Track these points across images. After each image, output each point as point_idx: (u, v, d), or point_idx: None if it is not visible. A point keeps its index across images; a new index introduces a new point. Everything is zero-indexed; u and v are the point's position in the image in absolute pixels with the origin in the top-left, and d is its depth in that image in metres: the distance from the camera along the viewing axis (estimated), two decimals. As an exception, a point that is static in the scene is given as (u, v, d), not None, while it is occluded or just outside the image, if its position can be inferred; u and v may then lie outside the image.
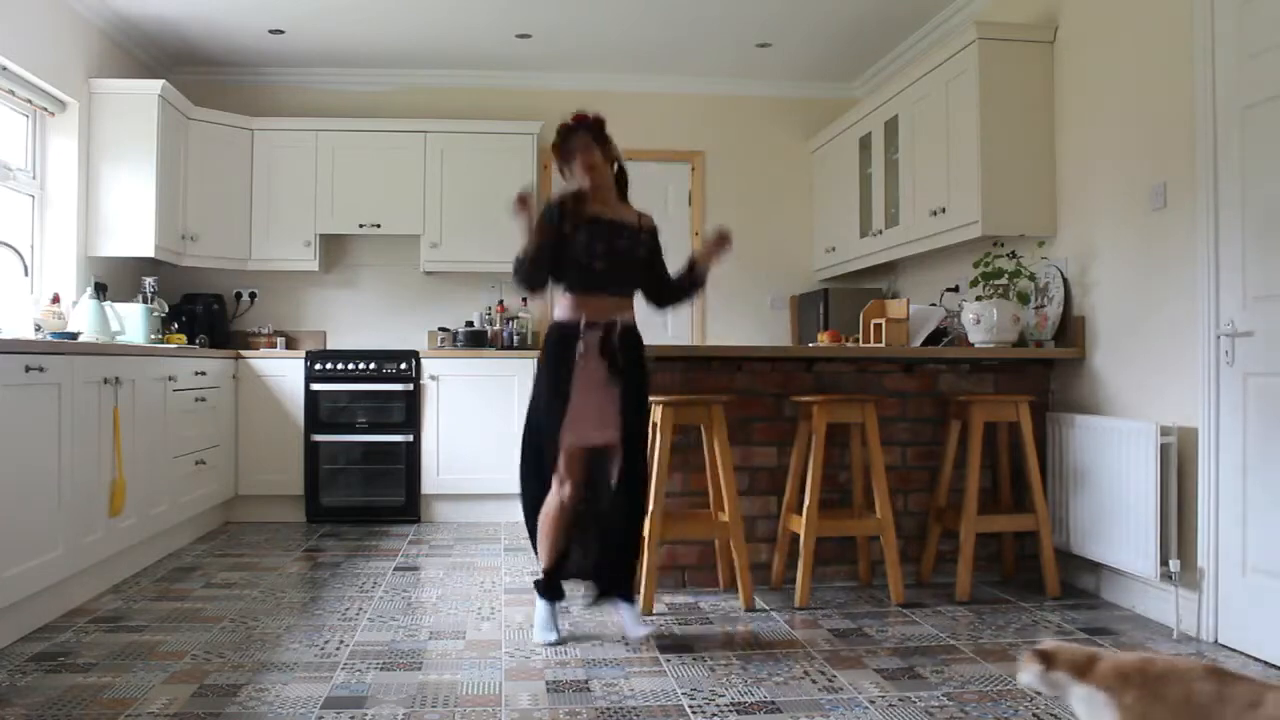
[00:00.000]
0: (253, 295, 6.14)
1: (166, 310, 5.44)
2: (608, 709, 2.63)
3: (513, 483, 5.57)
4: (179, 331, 5.51)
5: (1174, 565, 3.34)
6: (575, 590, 3.59)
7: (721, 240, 3.34)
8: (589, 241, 3.21)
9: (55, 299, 4.62)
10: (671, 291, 3.45)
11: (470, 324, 6.09)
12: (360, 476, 5.54)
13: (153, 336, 5.04)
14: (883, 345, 4.17)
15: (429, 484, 5.57)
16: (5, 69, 4.37)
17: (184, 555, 4.61)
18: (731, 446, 3.84)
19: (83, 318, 4.57)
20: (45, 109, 4.83)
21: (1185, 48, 3.39)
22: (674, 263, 3.47)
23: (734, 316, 6.31)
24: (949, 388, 4.16)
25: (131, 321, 4.95)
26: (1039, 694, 2.21)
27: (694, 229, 6.28)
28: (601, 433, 3.21)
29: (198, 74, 6.07)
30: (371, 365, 5.55)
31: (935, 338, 4.67)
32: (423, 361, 5.60)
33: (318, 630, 3.36)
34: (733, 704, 2.67)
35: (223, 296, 6.00)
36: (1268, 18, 3.04)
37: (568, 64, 6.07)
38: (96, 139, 5.11)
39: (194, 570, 4.29)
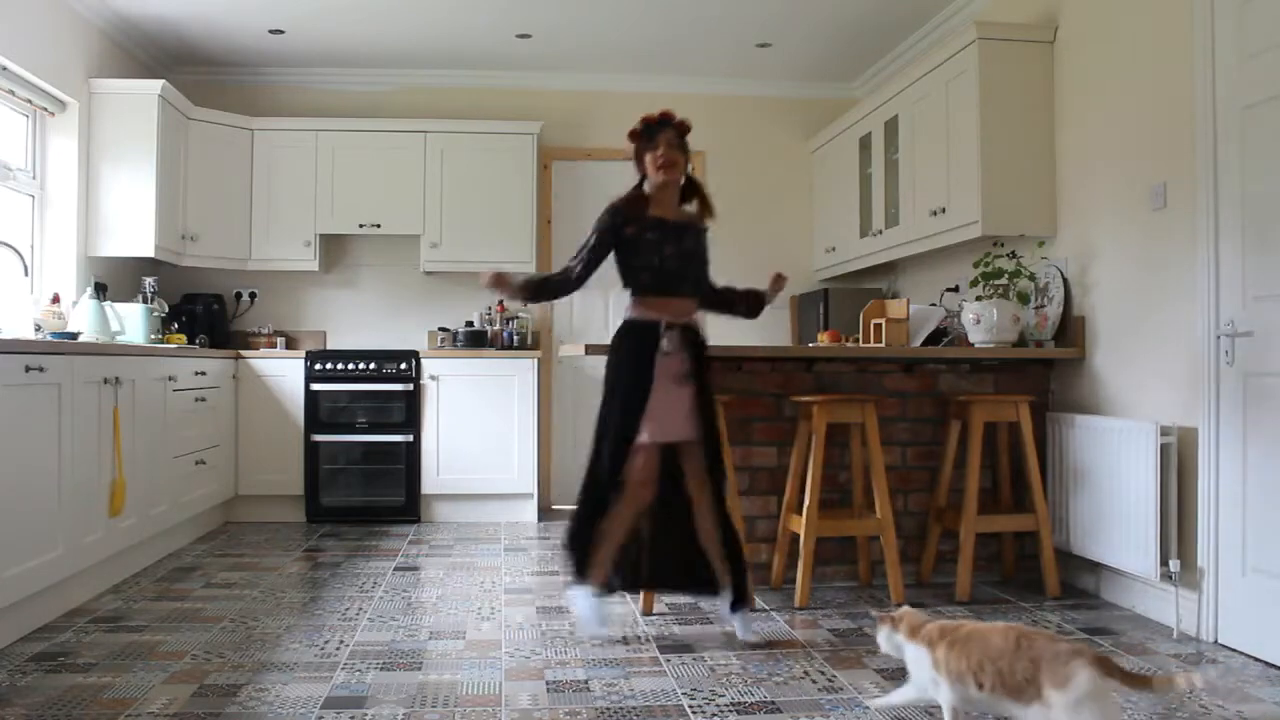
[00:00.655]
0: (253, 295, 6.14)
1: (166, 310, 5.44)
2: (608, 709, 2.63)
3: (512, 483, 5.62)
4: (179, 331, 5.51)
5: (1174, 565, 3.34)
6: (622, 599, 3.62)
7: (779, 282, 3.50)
8: (660, 242, 3.22)
9: (55, 299, 4.62)
10: (719, 299, 3.46)
11: (470, 324, 6.09)
12: (360, 476, 5.54)
13: (153, 336, 5.04)
14: (883, 345, 4.17)
15: (429, 484, 5.58)
16: (5, 69, 4.37)
17: (184, 555, 4.61)
18: (731, 446, 3.84)
19: (83, 318, 4.57)
20: (45, 109, 4.83)
21: (1185, 48, 3.39)
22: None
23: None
24: (949, 388, 4.16)
25: (131, 321, 4.95)
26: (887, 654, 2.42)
27: (694, 229, 6.28)
28: (680, 429, 3.21)
29: (198, 74, 6.07)
30: (371, 365, 5.55)
31: (935, 338, 4.67)
32: (423, 361, 5.60)
33: (318, 630, 3.36)
34: (733, 704, 2.67)
35: (223, 296, 6.00)
36: (1268, 18, 3.04)
37: (568, 64, 6.07)
38: (96, 139, 5.11)
39: (194, 570, 4.29)
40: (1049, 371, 4.21)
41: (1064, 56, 4.15)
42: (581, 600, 3.25)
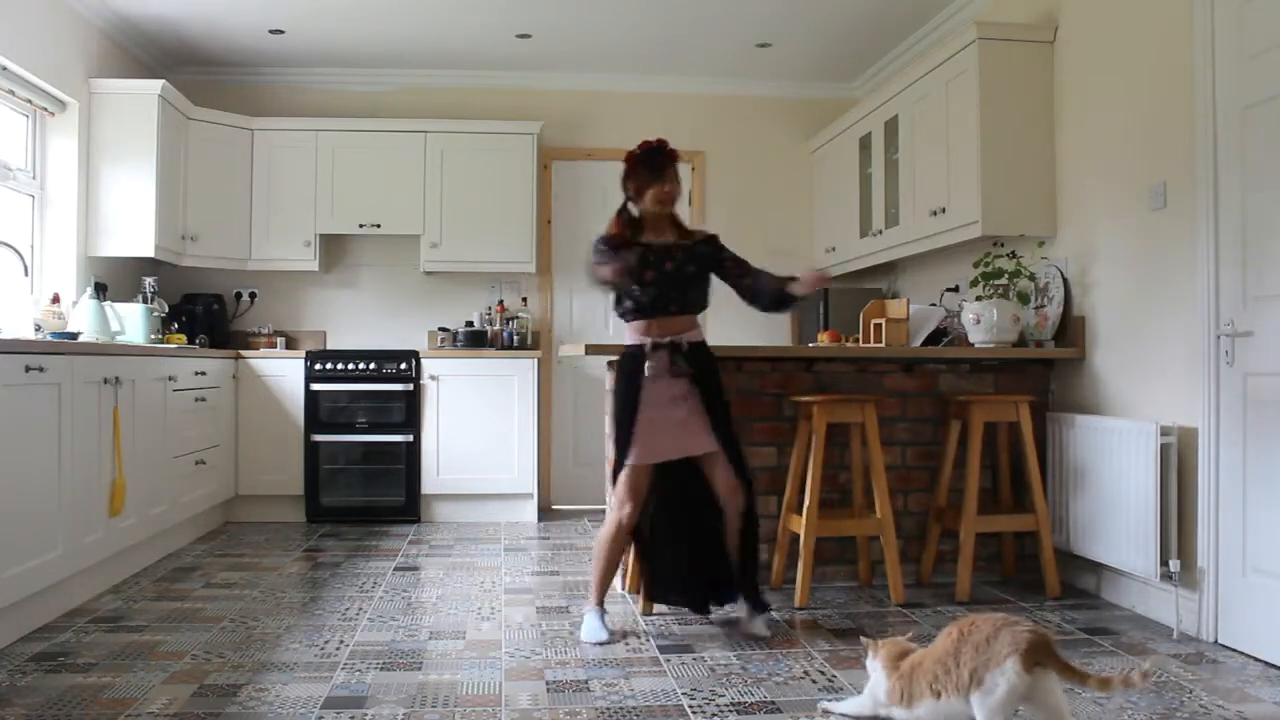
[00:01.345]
0: (253, 295, 6.15)
1: (166, 310, 5.44)
2: (608, 709, 2.63)
3: (512, 483, 5.62)
4: (179, 331, 5.51)
5: (1174, 565, 3.34)
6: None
7: (820, 280, 3.51)
8: (640, 268, 3.30)
9: (55, 299, 4.62)
10: (765, 296, 3.48)
11: (470, 324, 6.09)
12: (360, 476, 5.54)
13: (153, 336, 5.04)
14: (883, 345, 4.17)
15: (429, 484, 5.58)
16: (5, 69, 4.37)
17: (184, 555, 4.61)
18: (731, 446, 3.84)
19: (83, 318, 4.57)
20: (45, 109, 4.83)
21: (1185, 48, 3.39)
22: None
23: (734, 316, 6.27)
24: (949, 388, 4.16)
25: (131, 321, 4.94)
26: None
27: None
28: (675, 447, 3.29)
29: (198, 74, 6.07)
30: (371, 365, 5.55)
31: (935, 338, 4.67)
32: (423, 361, 5.60)
33: (318, 630, 3.36)
34: (733, 704, 2.67)
35: (223, 296, 6.00)
36: (1268, 18, 3.04)
37: (568, 64, 6.07)
38: (96, 139, 5.11)
39: (194, 570, 4.29)
40: (1049, 371, 4.21)
41: (1064, 56, 4.15)
42: (590, 618, 3.32)
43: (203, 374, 4.94)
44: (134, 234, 5.14)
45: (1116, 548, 3.61)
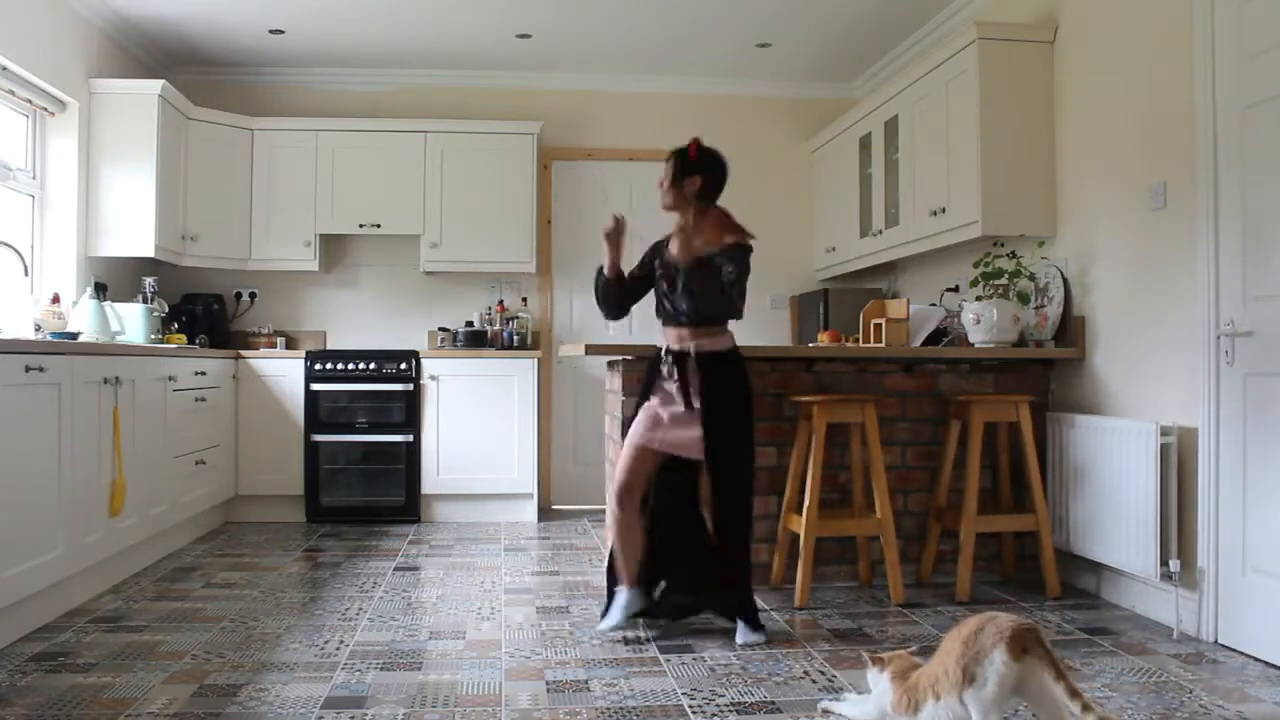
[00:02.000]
0: (253, 295, 6.15)
1: (166, 310, 5.44)
2: (608, 709, 2.63)
3: (512, 483, 5.62)
4: (179, 331, 5.51)
5: (1174, 565, 3.34)
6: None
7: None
8: (659, 279, 3.40)
9: (55, 299, 4.62)
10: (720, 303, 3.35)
11: (470, 324, 6.09)
12: (360, 476, 5.54)
13: (153, 336, 5.04)
14: (883, 345, 4.17)
15: (429, 484, 5.58)
16: (5, 69, 4.37)
17: (184, 555, 4.61)
18: (731, 446, 3.84)
19: (83, 318, 4.57)
20: (45, 109, 4.83)
21: (1185, 47, 3.39)
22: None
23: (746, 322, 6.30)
24: (949, 388, 4.16)
25: (131, 321, 4.94)
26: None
27: (694, 229, 6.28)
28: (670, 442, 3.29)
29: (198, 74, 6.07)
30: (371, 365, 5.55)
31: (935, 338, 4.67)
32: (423, 361, 5.60)
33: (318, 630, 3.36)
34: (733, 704, 2.67)
35: (223, 296, 6.00)
36: (1268, 18, 3.04)
37: (568, 64, 6.07)
38: (96, 139, 5.11)
39: (194, 570, 4.29)
40: (1049, 371, 4.21)
41: (1064, 56, 4.15)
42: (619, 598, 3.35)
43: (203, 374, 4.94)
44: (134, 234, 5.14)
45: (1116, 548, 3.61)
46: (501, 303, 6.17)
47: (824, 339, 4.59)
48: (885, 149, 5.22)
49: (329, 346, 6.16)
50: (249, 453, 5.50)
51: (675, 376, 3.29)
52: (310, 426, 5.51)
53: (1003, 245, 4.31)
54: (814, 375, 4.08)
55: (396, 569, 4.35)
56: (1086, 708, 2.07)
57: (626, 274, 3.47)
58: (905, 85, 4.88)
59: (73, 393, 3.51)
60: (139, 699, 2.67)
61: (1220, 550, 3.23)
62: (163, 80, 5.26)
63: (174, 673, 2.89)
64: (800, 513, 3.72)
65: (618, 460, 3.39)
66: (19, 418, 3.17)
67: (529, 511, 5.68)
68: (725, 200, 3.45)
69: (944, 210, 4.48)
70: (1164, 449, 3.42)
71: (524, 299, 6.30)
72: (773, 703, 2.68)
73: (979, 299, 4.21)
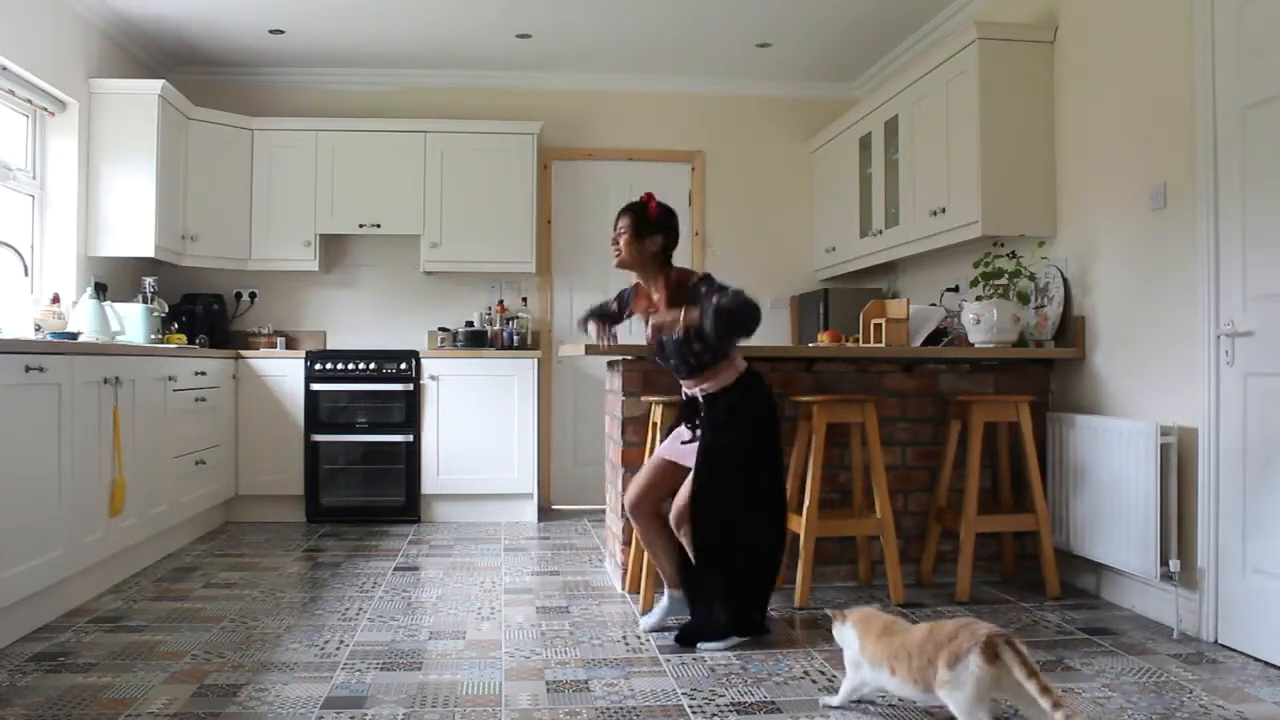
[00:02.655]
0: (253, 295, 6.15)
1: (166, 310, 5.44)
2: (608, 709, 2.63)
3: (512, 483, 5.62)
4: (179, 331, 5.51)
5: (1174, 565, 3.34)
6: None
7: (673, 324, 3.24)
8: (649, 340, 3.39)
9: (55, 299, 4.62)
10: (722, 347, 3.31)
11: (470, 324, 6.09)
12: (360, 476, 5.54)
13: (153, 336, 5.04)
14: (883, 345, 4.17)
15: (429, 484, 5.58)
16: (5, 69, 4.37)
17: (184, 555, 4.61)
18: (731, 446, 3.84)
19: (83, 318, 4.57)
20: (45, 109, 4.83)
21: (1185, 48, 3.39)
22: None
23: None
24: (949, 388, 4.16)
25: (131, 321, 4.94)
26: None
27: (694, 229, 6.28)
28: (678, 451, 3.35)
29: (198, 74, 6.07)
30: (371, 365, 5.55)
31: (935, 338, 4.67)
32: (423, 361, 5.60)
33: (318, 630, 3.36)
34: (733, 704, 2.67)
35: (223, 296, 6.00)
36: (1268, 18, 3.04)
37: (568, 64, 6.07)
38: (96, 139, 5.11)
39: (194, 570, 4.29)
40: (1049, 371, 4.21)
41: (1064, 56, 4.15)
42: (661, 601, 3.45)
43: (203, 374, 4.94)
44: (134, 234, 5.14)
45: (1116, 548, 3.61)
46: (501, 303, 6.17)
47: (824, 339, 4.59)
48: (885, 149, 5.22)
49: (329, 346, 6.16)
50: (249, 453, 5.50)
51: (687, 420, 3.37)
52: (310, 426, 5.51)
53: (1003, 245, 4.31)
54: (814, 375, 4.08)
55: (396, 569, 4.35)
56: (1056, 705, 2.16)
57: (604, 314, 3.66)
58: (905, 85, 4.88)
59: (73, 393, 3.51)
60: (139, 699, 2.67)
61: (1220, 550, 3.23)
62: (163, 80, 5.25)
63: (174, 673, 2.89)
64: (800, 513, 3.72)
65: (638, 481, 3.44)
66: (19, 418, 3.17)
67: (529, 511, 5.68)
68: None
69: (944, 210, 4.48)
70: (1164, 449, 3.42)
71: (524, 299, 6.30)
72: (773, 703, 2.68)
73: (979, 299, 4.21)
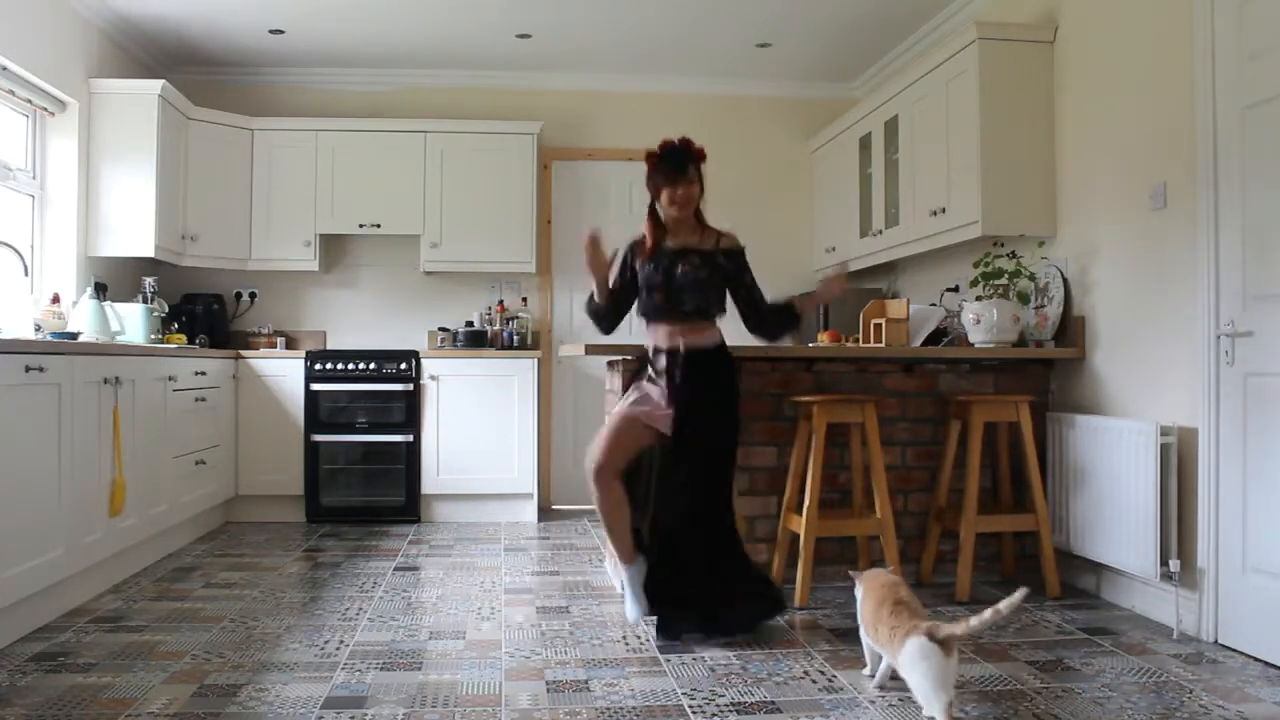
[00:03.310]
0: (253, 295, 6.15)
1: (166, 310, 5.44)
2: (608, 709, 2.63)
3: (512, 483, 5.62)
4: (179, 331, 5.51)
5: (1174, 565, 3.34)
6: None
7: (839, 277, 3.51)
8: (650, 271, 3.34)
9: (55, 299, 4.62)
10: (763, 320, 3.45)
11: (470, 324, 6.09)
12: (360, 476, 5.54)
13: (153, 336, 5.04)
14: (883, 345, 4.17)
15: (429, 484, 5.58)
16: (5, 69, 4.37)
17: (184, 555, 4.61)
18: (731, 446, 3.84)
19: (83, 318, 4.57)
20: (45, 109, 4.83)
21: (1185, 48, 3.39)
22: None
23: (734, 316, 6.30)
24: (949, 388, 4.16)
25: (131, 321, 4.94)
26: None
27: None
28: (651, 416, 3.27)
29: (198, 74, 6.07)
30: (371, 365, 5.55)
31: (935, 338, 4.67)
32: (423, 361, 5.60)
33: (318, 630, 3.36)
34: (733, 704, 2.67)
35: (223, 296, 6.00)
36: (1268, 18, 3.04)
37: (568, 64, 6.07)
38: (96, 139, 5.11)
39: (194, 570, 4.29)
40: (1049, 371, 4.21)
41: (1064, 56, 4.15)
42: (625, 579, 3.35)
43: (203, 374, 4.94)
44: (134, 234, 5.14)
45: (1116, 548, 3.61)
46: (501, 303, 6.17)
47: (824, 339, 4.59)
48: (885, 149, 5.22)
49: (329, 346, 6.16)
50: (249, 453, 5.50)
51: (663, 373, 3.29)
52: (310, 426, 5.51)
53: (1003, 245, 4.31)
54: (814, 375, 4.08)
55: (396, 569, 4.35)
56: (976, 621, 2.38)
57: (612, 286, 3.46)
58: (905, 85, 4.88)
59: (73, 393, 3.51)
60: (139, 699, 2.67)
61: (1220, 550, 3.23)
62: (163, 80, 5.25)
63: (174, 673, 2.89)
64: (800, 513, 3.72)
65: (603, 439, 3.31)
66: (19, 418, 3.17)
67: (529, 511, 5.68)
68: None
69: (944, 210, 4.48)
70: (1164, 449, 3.42)
71: (524, 299, 6.30)
72: (773, 703, 2.68)
73: (979, 299, 4.21)
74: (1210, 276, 3.26)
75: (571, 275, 6.31)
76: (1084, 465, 3.81)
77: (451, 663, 3.02)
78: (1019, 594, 2.40)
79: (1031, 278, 4.21)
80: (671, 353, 3.31)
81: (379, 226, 5.91)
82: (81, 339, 4.34)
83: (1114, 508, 3.62)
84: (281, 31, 5.46)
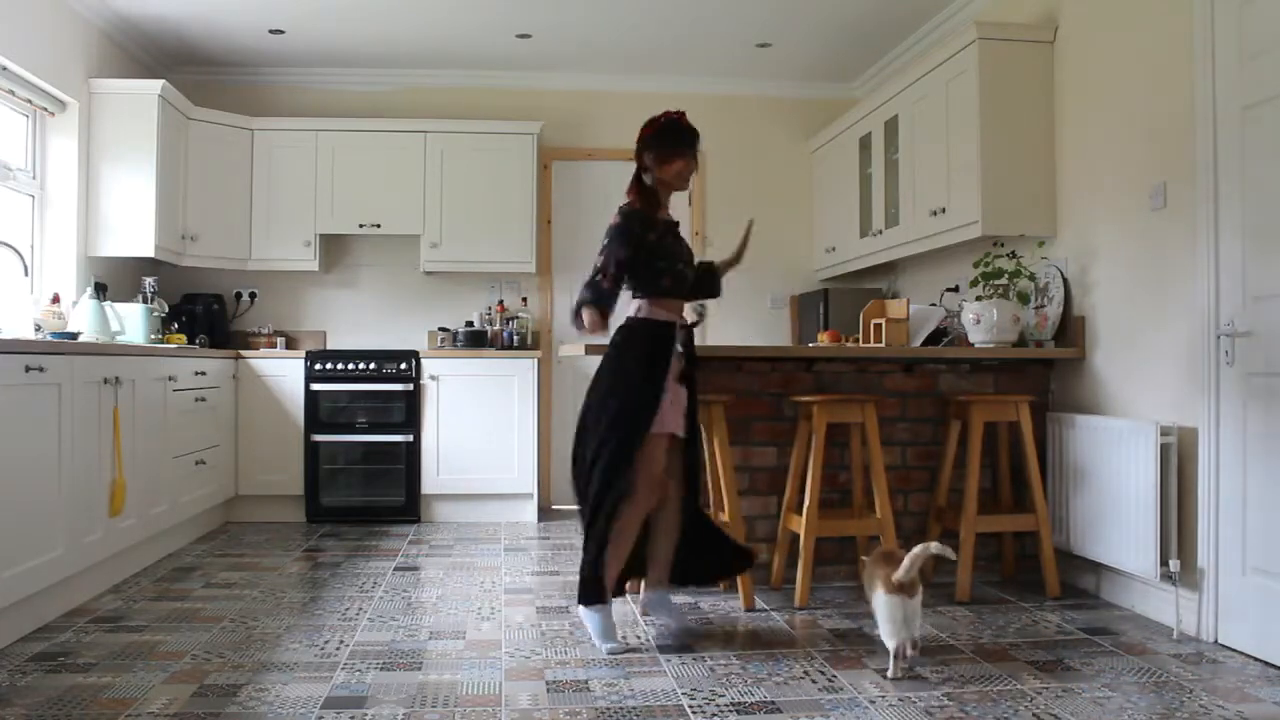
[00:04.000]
0: (253, 295, 6.15)
1: (166, 310, 5.44)
2: (608, 709, 2.63)
3: (512, 483, 5.62)
4: (179, 331, 5.51)
5: (1174, 565, 3.34)
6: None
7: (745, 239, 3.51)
8: (679, 248, 3.32)
9: (55, 299, 4.62)
10: (698, 283, 3.51)
11: (470, 324, 6.09)
12: (360, 476, 5.54)
13: (153, 336, 5.04)
14: (883, 345, 4.17)
15: (429, 484, 5.58)
16: (5, 69, 4.37)
17: (184, 555, 4.61)
18: (731, 446, 3.84)
19: (83, 318, 4.57)
20: (45, 109, 4.83)
21: (1185, 48, 3.39)
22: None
23: (734, 316, 6.31)
24: (949, 388, 4.16)
25: (131, 321, 4.94)
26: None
27: (694, 229, 6.28)
28: (677, 424, 3.25)
29: (198, 74, 6.07)
30: (371, 365, 5.55)
31: (935, 338, 4.67)
32: (423, 361, 5.60)
33: (318, 630, 3.36)
34: (733, 704, 2.67)
35: (223, 296, 6.00)
36: (1268, 18, 3.04)
37: (568, 64, 6.07)
38: (96, 139, 5.11)
39: (194, 570, 4.29)
40: (1049, 371, 4.21)
41: (1064, 56, 4.15)
42: (598, 613, 3.19)
43: (203, 374, 4.94)
44: (134, 234, 5.14)
45: (1116, 548, 3.61)
46: (501, 303, 6.17)
47: (824, 339, 4.59)
48: (885, 149, 5.22)
49: (329, 346, 6.16)
50: (249, 453, 5.50)
51: (685, 349, 3.28)
52: (310, 426, 5.51)
53: (1003, 245, 4.31)
54: (814, 375, 4.08)
55: (396, 569, 4.35)
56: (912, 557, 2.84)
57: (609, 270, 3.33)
58: (905, 85, 4.88)
59: (73, 393, 3.51)
60: (139, 699, 2.67)
61: (1220, 550, 3.23)
62: (163, 80, 5.26)
63: (174, 673, 2.89)
64: (800, 513, 3.72)
65: (652, 454, 3.20)
66: (19, 418, 3.17)
67: (529, 511, 5.68)
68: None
69: (944, 210, 4.48)
70: (1164, 449, 3.42)
71: (524, 299, 6.30)
72: (773, 703, 2.68)
73: (979, 299, 4.21)
74: (1210, 276, 3.26)
75: (571, 275, 6.29)
76: (1084, 465, 3.81)
77: (451, 663, 3.02)
78: (934, 545, 2.91)
79: (1031, 278, 4.21)
80: (685, 329, 3.32)
81: (379, 226, 5.91)
82: (81, 339, 4.34)
83: (1114, 508, 3.62)
84: (281, 31, 5.46)
